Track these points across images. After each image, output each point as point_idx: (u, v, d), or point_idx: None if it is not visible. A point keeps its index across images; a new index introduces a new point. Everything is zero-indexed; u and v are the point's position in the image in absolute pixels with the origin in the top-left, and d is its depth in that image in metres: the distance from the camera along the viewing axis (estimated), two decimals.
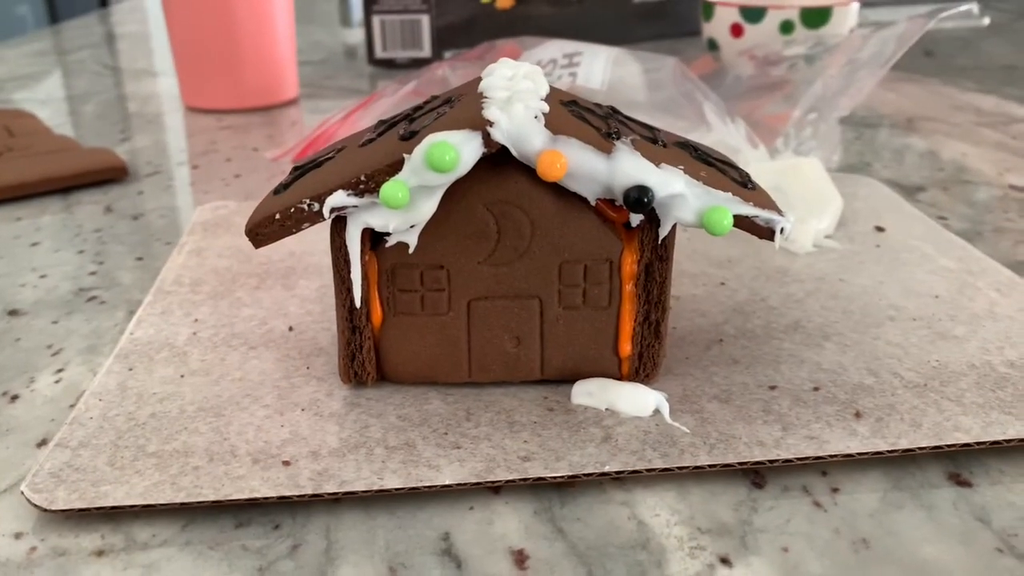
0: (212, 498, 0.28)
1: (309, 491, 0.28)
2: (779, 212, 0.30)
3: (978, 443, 0.29)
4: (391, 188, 0.28)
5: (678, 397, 0.32)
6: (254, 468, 0.29)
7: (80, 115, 0.77)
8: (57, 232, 0.51)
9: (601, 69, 0.63)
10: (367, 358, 0.33)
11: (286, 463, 0.29)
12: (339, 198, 0.29)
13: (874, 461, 0.30)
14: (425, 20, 0.90)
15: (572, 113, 0.31)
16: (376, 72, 0.92)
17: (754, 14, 0.75)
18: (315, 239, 0.47)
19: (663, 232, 0.31)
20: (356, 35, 1.17)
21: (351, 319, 0.32)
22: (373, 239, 0.31)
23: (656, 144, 0.32)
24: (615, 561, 0.26)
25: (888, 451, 0.29)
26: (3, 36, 1.17)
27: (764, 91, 0.66)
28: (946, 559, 0.25)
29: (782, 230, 0.30)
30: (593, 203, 0.30)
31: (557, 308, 0.32)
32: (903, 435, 0.30)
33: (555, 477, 0.28)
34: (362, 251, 0.31)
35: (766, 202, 0.31)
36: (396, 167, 0.29)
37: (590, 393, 0.32)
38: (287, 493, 0.28)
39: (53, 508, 0.27)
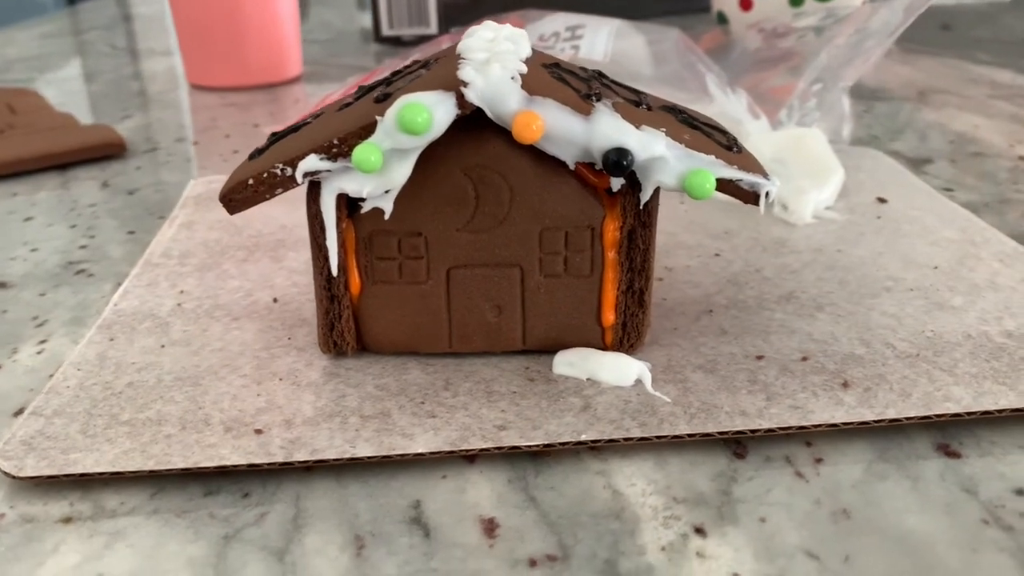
0: (181, 466, 0.27)
1: (280, 459, 0.27)
2: (765, 176, 0.30)
3: (968, 413, 0.28)
4: (363, 151, 0.28)
5: (662, 367, 0.32)
6: (226, 436, 0.28)
7: (85, 94, 0.77)
8: (52, 207, 0.50)
9: (604, 42, 0.62)
10: (346, 328, 0.32)
11: (258, 431, 0.29)
12: (311, 162, 0.29)
13: (860, 432, 0.29)
14: None
15: (552, 75, 0.30)
16: (382, 50, 0.91)
17: None
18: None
19: (644, 197, 0.30)
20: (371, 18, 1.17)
21: (329, 288, 0.32)
22: (350, 206, 0.31)
23: (640, 107, 0.31)
24: (586, 530, 0.25)
25: (875, 421, 0.28)
26: (23, 18, 1.17)
27: (771, 63, 0.65)
28: (929, 529, 0.25)
29: (767, 194, 0.29)
30: (572, 167, 0.29)
31: (538, 276, 0.31)
32: (891, 405, 0.29)
33: (530, 446, 0.28)
34: (338, 218, 0.30)
35: (751, 165, 0.30)
36: (369, 130, 0.28)
37: (571, 363, 0.31)
38: (257, 461, 0.27)
39: (22, 475, 0.27)
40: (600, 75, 0.35)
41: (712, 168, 0.29)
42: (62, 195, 0.52)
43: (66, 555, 0.25)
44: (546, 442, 0.28)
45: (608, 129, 0.28)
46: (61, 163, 0.57)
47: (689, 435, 0.28)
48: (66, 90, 0.78)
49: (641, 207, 0.30)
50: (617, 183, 0.30)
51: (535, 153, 0.29)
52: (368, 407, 0.30)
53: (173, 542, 0.25)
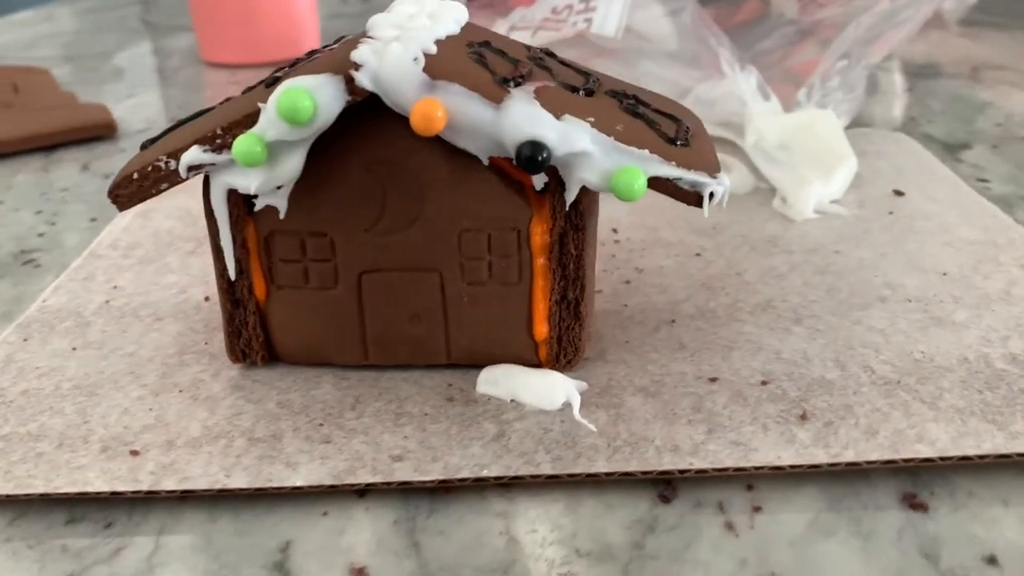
0: (41, 490, 0.25)
1: (145, 487, 0.25)
2: (711, 173, 0.25)
3: (942, 458, 0.24)
4: (244, 143, 0.25)
5: (600, 387, 0.28)
6: (99, 458, 0.26)
7: (98, 71, 0.75)
8: (25, 191, 0.49)
9: (617, 14, 0.57)
10: (253, 335, 0.29)
11: (134, 453, 0.26)
12: (194, 154, 0.26)
13: (811, 475, 0.25)
14: None
15: (472, 55, 0.26)
16: None
17: None
18: None
19: (569, 197, 0.26)
20: None
21: (232, 292, 0.29)
22: (250, 201, 0.28)
23: (577, 92, 0.27)
24: None
25: (828, 464, 0.24)
26: None
27: (804, 36, 0.59)
28: None
29: (711, 195, 0.25)
30: (485, 162, 0.26)
31: (460, 283, 0.28)
32: (852, 445, 0.25)
33: (422, 482, 0.24)
34: (236, 215, 0.27)
35: (695, 161, 0.26)
36: (253, 118, 0.25)
37: (495, 381, 0.28)
38: (119, 488, 0.25)
39: None
40: (550, 54, 0.31)
41: (643, 164, 0.25)
42: (40, 178, 0.51)
43: None
44: (441, 477, 0.24)
45: (521, 119, 0.24)
46: (48, 144, 0.55)
47: (607, 474, 0.24)
48: (84, 67, 0.77)
49: (573, 208, 0.26)
50: (540, 180, 0.26)
51: (449, 145, 0.26)
52: (261, 428, 0.27)
53: None
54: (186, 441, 0.26)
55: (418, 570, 0.22)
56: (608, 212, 0.39)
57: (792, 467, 0.24)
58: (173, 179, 0.26)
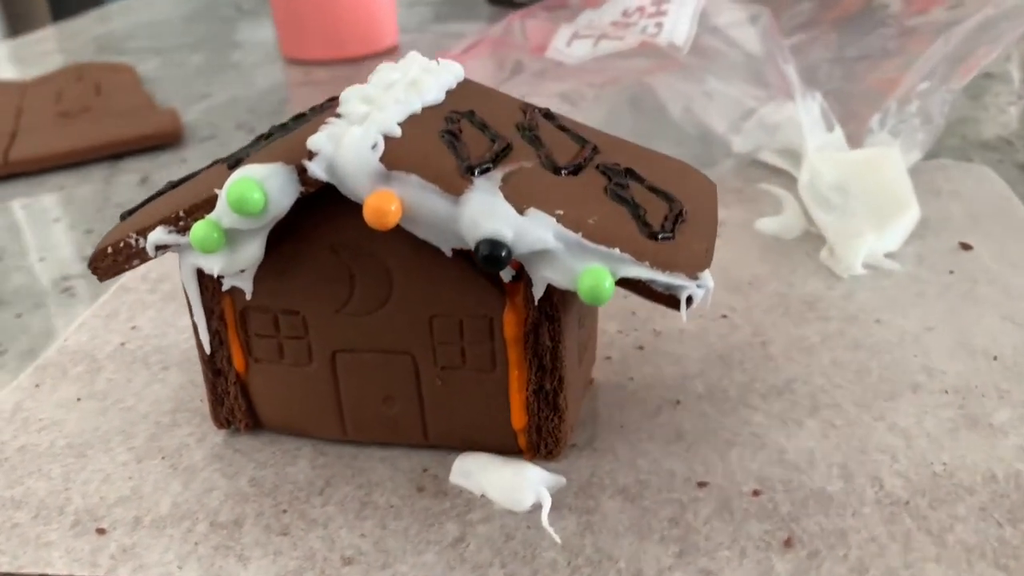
0: (6, 568, 0.25)
1: (101, 573, 0.25)
2: (691, 274, 0.23)
3: None
4: (201, 230, 0.24)
5: (580, 484, 0.26)
6: (68, 534, 0.26)
7: (182, 66, 0.77)
8: (82, 207, 0.50)
9: (688, 22, 0.54)
10: (235, 404, 0.29)
11: (100, 531, 0.26)
12: (159, 235, 0.25)
13: None
14: None
15: (445, 134, 0.25)
16: (494, 12, 0.86)
17: None
18: None
19: (536, 293, 0.24)
20: None
21: (212, 362, 0.28)
22: None
23: (559, 173, 0.25)
24: None
25: None
26: None
27: (901, 42, 0.54)
28: None
29: (689, 300, 0.23)
30: (448, 253, 0.24)
31: (434, 367, 0.27)
32: None
33: None
34: (210, 287, 0.27)
35: (673, 259, 0.23)
36: (212, 203, 0.24)
37: (468, 473, 0.27)
38: (77, 572, 0.25)
39: None
40: (548, 116, 0.29)
41: (612, 265, 0.23)
42: (99, 191, 0.52)
43: None
44: None
45: (478, 214, 0.23)
46: (116, 153, 0.57)
47: None
48: (170, 62, 0.79)
49: (545, 299, 0.25)
50: (507, 272, 0.25)
51: None
52: (226, 511, 0.26)
53: None
54: (153, 520, 0.26)
55: None
56: None
57: None
58: (144, 256, 0.26)
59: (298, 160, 0.23)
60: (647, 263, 0.23)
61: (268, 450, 0.29)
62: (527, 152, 0.26)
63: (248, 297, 0.26)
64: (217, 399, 0.29)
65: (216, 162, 0.29)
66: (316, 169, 0.23)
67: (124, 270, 0.27)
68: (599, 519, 0.25)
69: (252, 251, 0.25)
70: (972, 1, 0.51)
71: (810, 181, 0.39)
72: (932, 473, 0.25)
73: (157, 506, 0.27)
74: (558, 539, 0.24)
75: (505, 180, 0.24)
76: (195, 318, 0.27)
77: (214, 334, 0.28)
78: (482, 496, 0.26)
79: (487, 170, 0.24)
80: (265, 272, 0.26)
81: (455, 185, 0.23)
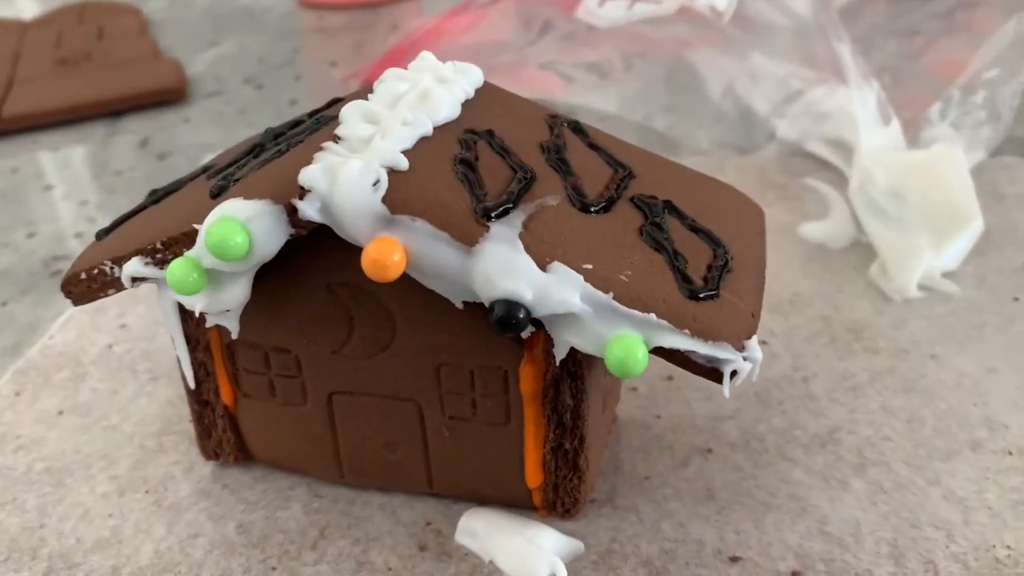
0: None
1: None
2: (736, 343, 0.20)
3: None
4: (179, 269, 0.21)
5: (599, 552, 0.24)
6: None
7: (189, 6, 0.73)
8: (79, 171, 0.47)
9: None
10: (223, 437, 0.26)
11: None
12: (135, 267, 0.22)
13: None
14: None
15: (458, 164, 0.21)
16: None
17: None
18: None
19: (558, 355, 0.21)
20: None
21: (198, 393, 0.26)
22: None
23: (589, 211, 0.22)
24: None
25: None
26: None
27: (965, 15, 0.50)
28: None
29: (733, 374, 0.20)
30: (459, 305, 0.21)
31: (440, 416, 0.24)
32: None
33: None
34: (190, 319, 0.24)
35: (717, 325, 0.20)
36: (192, 237, 0.21)
37: (474, 533, 0.24)
38: None
39: None
40: (577, 130, 0.25)
41: (647, 332, 0.20)
42: (98, 153, 0.49)
43: None
44: None
45: (494, 270, 0.20)
46: (116, 109, 0.54)
47: None
48: (178, 2, 0.75)
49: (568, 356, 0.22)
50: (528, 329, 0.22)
51: None
52: (211, 564, 0.24)
53: None
54: (131, 572, 0.24)
55: None
56: None
57: None
58: (119, 286, 0.23)
59: (288, 198, 0.20)
60: (687, 331, 0.20)
61: (259, 487, 0.27)
62: (553, 183, 0.22)
63: (233, 336, 0.23)
64: (204, 431, 0.27)
65: (203, 171, 0.26)
66: (308, 210, 0.20)
67: (100, 297, 0.24)
68: None
69: (237, 292, 0.22)
70: None
71: (862, 185, 0.35)
72: (994, 559, 0.23)
73: (137, 554, 0.25)
74: None
75: (527, 225, 0.20)
76: (178, 352, 0.25)
77: (199, 365, 0.25)
78: (490, 563, 0.24)
79: (506, 212, 0.21)
80: (254, 308, 0.23)
81: (468, 233, 0.20)
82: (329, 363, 0.24)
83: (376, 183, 0.20)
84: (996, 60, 0.40)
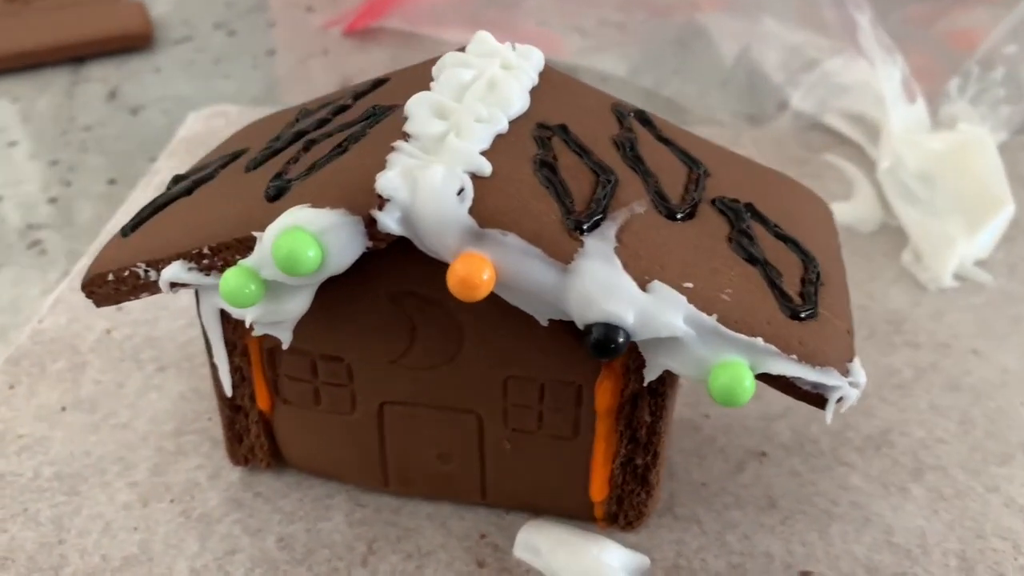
0: None
1: None
2: (842, 368, 0.19)
3: None
4: (234, 280, 0.19)
5: (666, 566, 0.23)
6: None
7: None
8: (43, 126, 0.44)
9: None
10: (256, 443, 0.25)
11: None
12: (176, 271, 0.20)
13: None
14: None
15: (539, 167, 0.20)
16: None
17: None
18: None
19: (648, 376, 0.20)
20: None
21: (232, 398, 0.24)
22: None
23: (675, 218, 0.20)
24: None
25: None
26: None
27: None
28: None
29: (840, 400, 0.19)
30: (544, 323, 0.20)
31: (502, 428, 0.23)
32: None
33: None
34: (228, 321, 0.22)
35: (822, 348, 0.19)
36: (247, 244, 0.19)
37: (535, 549, 0.23)
38: None
39: None
40: (644, 121, 0.24)
41: (753, 358, 0.19)
42: (63, 107, 0.45)
43: None
44: None
45: (593, 290, 0.18)
46: (76, 55, 0.50)
47: None
48: None
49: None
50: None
51: None
52: None
53: None
54: None
55: None
56: None
57: None
58: (154, 289, 0.21)
59: (366, 208, 0.18)
60: (794, 356, 0.19)
61: (294, 495, 0.25)
62: (634, 186, 0.21)
63: (284, 346, 0.21)
64: (235, 436, 0.25)
65: (233, 157, 0.23)
66: (389, 222, 0.18)
67: (127, 300, 0.22)
68: None
69: (296, 305, 0.20)
70: None
71: (892, 168, 0.35)
72: None
73: (171, 573, 0.23)
74: None
75: (620, 237, 0.19)
76: (215, 359, 0.23)
77: (235, 370, 0.23)
78: None
79: (598, 224, 0.19)
80: (307, 315, 0.21)
81: (563, 249, 0.18)
82: (385, 373, 0.22)
83: (460, 191, 0.18)
84: (1015, 34, 0.40)
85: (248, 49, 0.51)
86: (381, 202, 0.18)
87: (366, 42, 0.51)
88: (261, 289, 0.19)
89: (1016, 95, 0.38)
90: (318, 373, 0.23)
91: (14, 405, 0.28)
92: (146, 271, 0.21)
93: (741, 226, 0.21)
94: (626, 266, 0.18)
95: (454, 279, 0.18)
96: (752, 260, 0.20)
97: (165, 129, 0.43)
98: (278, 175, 0.20)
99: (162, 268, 0.20)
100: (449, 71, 0.21)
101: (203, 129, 0.41)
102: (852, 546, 0.23)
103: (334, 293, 0.21)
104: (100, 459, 0.26)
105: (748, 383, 0.18)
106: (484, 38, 0.23)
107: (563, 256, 0.18)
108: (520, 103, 0.21)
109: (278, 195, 0.20)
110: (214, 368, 0.23)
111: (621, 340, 0.18)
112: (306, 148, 0.21)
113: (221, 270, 0.20)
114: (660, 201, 0.21)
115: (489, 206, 0.18)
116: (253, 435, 0.25)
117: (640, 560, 0.23)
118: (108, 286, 0.21)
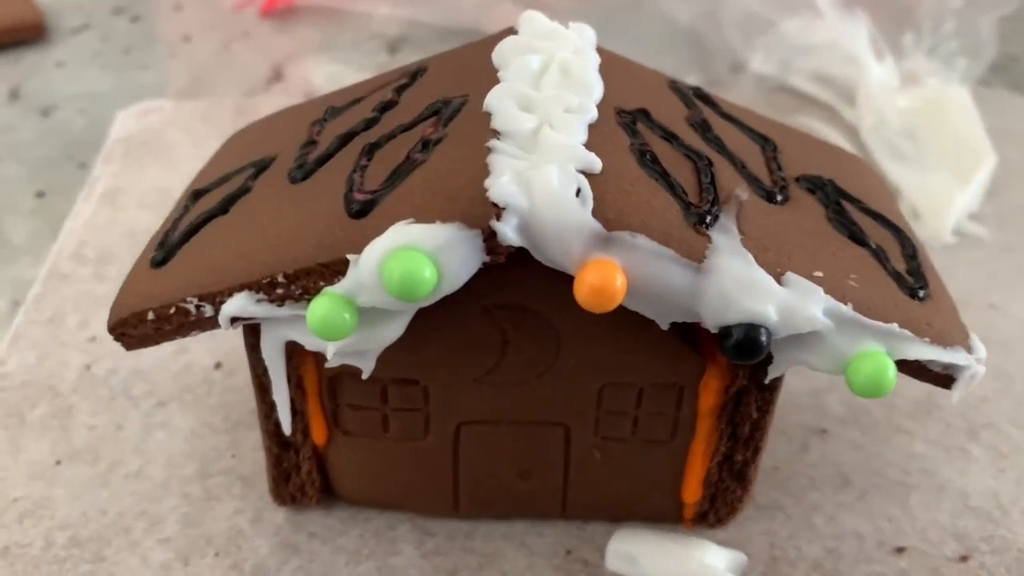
0: None
1: None
2: (966, 345, 0.19)
3: None
4: (325, 309, 0.17)
5: (764, 559, 0.22)
6: None
7: None
8: None
9: None
10: (307, 480, 0.22)
11: None
12: (241, 304, 0.18)
13: None
14: None
15: (642, 157, 0.18)
16: None
17: None
18: None
19: (772, 373, 0.19)
20: None
21: (279, 435, 0.22)
22: None
23: (774, 200, 0.19)
24: None
25: None
26: None
27: None
28: None
29: (972, 377, 0.19)
30: (665, 327, 0.18)
31: (592, 437, 0.21)
32: None
33: None
34: (290, 352, 0.20)
35: (947, 329, 0.19)
36: (335, 269, 0.17)
37: (631, 558, 0.22)
38: None
39: None
40: (702, 97, 0.23)
41: (891, 345, 0.18)
42: None
43: None
44: None
45: (732, 289, 0.17)
46: None
47: None
48: None
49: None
50: None
51: None
52: None
53: None
54: None
55: None
56: None
57: None
58: (206, 326, 0.18)
59: (484, 220, 0.16)
60: (927, 339, 0.18)
61: (353, 532, 0.23)
62: (727, 171, 0.20)
63: (365, 376, 0.19)
64: (282, 474, 0.22)
65: (258, 166, 0.21)
66: (509, 232, 0.16)
67: (168, 339, 0.19)
68: None
69: (391, 331, 0.18)
70: None
71: (876, 126, 0.35)
72: None
73: None
74: None
75: (741, 229, 0.18)
76: (275, 396, 0.20)
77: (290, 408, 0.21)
78: None
79: (717, 216, 0.18)
80: None
81: (693, 246, 0.17)
82: (466, 393, 0.20)
83: (578, 192, 0.17)
84: None
85: (159, 36, 0.46)
86: (498, 211, 0.16)
87: (288, 22, 0.47)
88: (355, 318, 0.17)
89: (970, 47, 0.39)
90: (388, 399, 0.20)
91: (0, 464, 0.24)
92: (199, 306, 0.18)
93: (834, 207, 0.20)
94: (756, 259, 0.17)
95: (585, 289, 0.16)
96: (857, 240, 0.20)
97: (87, 130, 0.39)
98: (351, 187, 0.18)
99: (220, 302, 0.18)
100: (511, 56, 0.19)
101: (138, 128, 0.37)
102: (935, 515, 0.23)
103: (421, 312, 0.19)
104: (119, 516, 0.23)
105: (892, 373, 0.17)
106: (535, 18, 0.21)
107: (695, 255, 0.17)
108: (599, 87, 0.19)
109: (364, 210, 0.17)
110: (266, 405, 0.21)
111: (764, 340, 0.17)
112: (368, 154, 0.19)
113: (298, 300, 0.18)
114: (755, 183, 0.20)
115: (612, 206, 0.17)
116: (304, 472, 0.22)
117: (740, 558, 0.22)
118: (146, 326, 0.19)
